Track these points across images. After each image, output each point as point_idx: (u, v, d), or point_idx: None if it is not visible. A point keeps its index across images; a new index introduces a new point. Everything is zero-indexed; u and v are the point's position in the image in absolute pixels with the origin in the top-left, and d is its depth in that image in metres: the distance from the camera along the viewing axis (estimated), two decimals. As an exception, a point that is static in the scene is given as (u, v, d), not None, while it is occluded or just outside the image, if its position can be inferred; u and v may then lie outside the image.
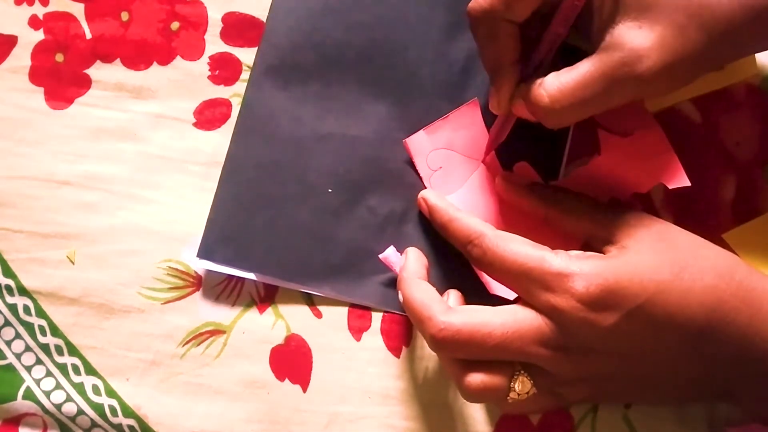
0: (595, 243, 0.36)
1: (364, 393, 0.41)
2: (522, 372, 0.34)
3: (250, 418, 0.41)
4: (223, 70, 0.43)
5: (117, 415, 0.41)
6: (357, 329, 0.42)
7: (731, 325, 0.32)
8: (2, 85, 0.43)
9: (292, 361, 0.42)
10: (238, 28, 0.43)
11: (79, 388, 0.41)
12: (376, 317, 0.42)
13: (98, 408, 0.41)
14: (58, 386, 0.41)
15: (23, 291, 0.42)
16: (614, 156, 0.40)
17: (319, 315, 0.42)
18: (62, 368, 0.41)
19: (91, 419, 0.41)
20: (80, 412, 0.41)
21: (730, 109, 0.43)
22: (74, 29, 0.43)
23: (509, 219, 0.41)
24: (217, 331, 0.42)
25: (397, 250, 0.40)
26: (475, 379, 0.33)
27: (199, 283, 0.42)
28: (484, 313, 0.34)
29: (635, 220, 0.35)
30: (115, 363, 0.42)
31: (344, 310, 0.42)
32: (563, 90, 0.33)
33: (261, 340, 0.42)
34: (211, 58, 0.43)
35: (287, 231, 0.41)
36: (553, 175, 0.42)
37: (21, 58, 0.43)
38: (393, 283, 0.41)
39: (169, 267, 0.42)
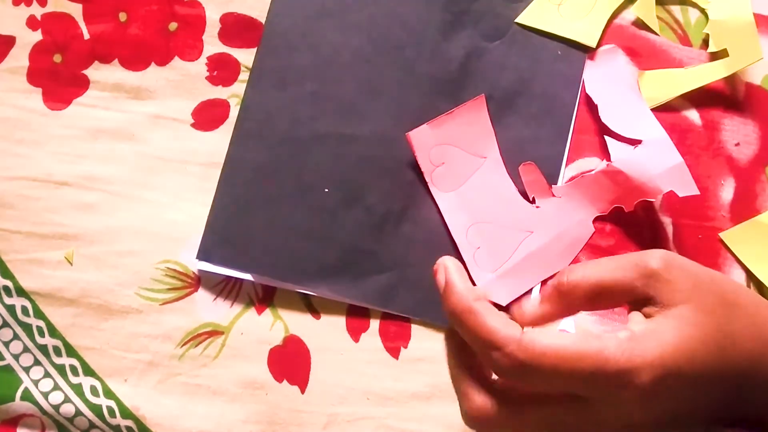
0: (634, 303, 0.31)
1: (363, 394, 0.41)
2: None
3: (248, 418, 0.41)
4: (221, 70, 0.43)
5: (115, 416, 0.41)
6: (355, 330, 0.42)
7: None
8: (0, 86, 0.43)
9: (290, 362, 0.42)
10: (236, 28, 0.43)
11: (78, 389, 0.41)
12: (375, 318, 0.42)
13: (96, 409, 0.41)
14: (57, 387, 0.41)
15: (21, 292, 0.42)
16: (623, 164, 0.40)
17: (317, 316, 0.42)
18: (60, 369, 0.41)
19: (90, 420, 0.41)
20: (78, 413, 0.41)
21: (730, 110, 0.43)
22: (72, 30, 0.43)
23: (511, 217, 0.41)
24: (215, 332, 0.42)
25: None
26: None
27: (198, 284, 0.42)
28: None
29: (675, 272, 0.30)
30: (113, 364, 0.41)
31: (342, 311, 0.42)
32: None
33: (259, 341, 0.42)
34: (209, 58, 0.43)
35: (285, 231, 0.41)
36: (552, 178, 0.42)
37: (19, 58, 0.43)
38: (390, 283, 0.41)
39: (168, 268, 0.42)
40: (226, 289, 0.42)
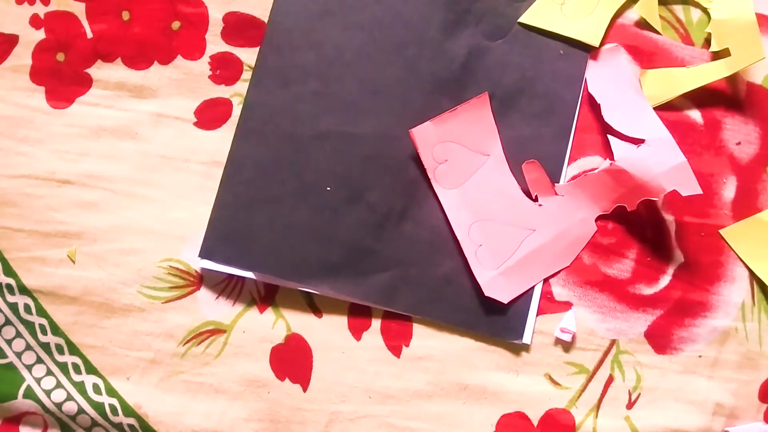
0: None
1: (365, 392, 0.41)
2: None
3: (250, 417, 0.41)
4: (224, 69, 0.43)
5: (117, 414, 0.41)
6: (357, 328, 0.42)
7: None
8: (3, 84, 0.43)
9: (292, 361, 0.42)
10: (238, 27, 0.43)
11: (80, 387, 0.41)
12: (377, 317, 0.42)
13: (99, 407, 0.41)
14: (59, 385, 0.41)
15: (24, 290, 0.42)
16: (626, 163, 0.40)
17: (319, 315, 0.42)
18: (63, 367, 0.42)
19: (92, 418, 0.41)
20: (81, 411, 0.41)
21: (731, 109, 0.43)
22: (75, 29, 0.43)
23: (514, 215, 0.41)
24: (217, 330, 0.42)
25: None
26: None
27: (200, 282, 0.42)
28: None
29: None
30: (115, 362, 0.42)
31: (344, 309, 0.42)
32: None
33: (261, 339, 0.42)
34: (212, 57, 0.43)
35: (286, 230, 0.41)
36: (554, 177, 0.42)
37: (22, 57, 0.43)
38: (392, 281, 0.41)
39: (170, 266, 0.42)
40: (228, 287, 0.42)
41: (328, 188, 0.42)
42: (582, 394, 0.41)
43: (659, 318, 0.42)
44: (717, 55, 0.43)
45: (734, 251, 0.42)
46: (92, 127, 0.43)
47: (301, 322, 0.42)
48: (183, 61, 0.43)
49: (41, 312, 0.42)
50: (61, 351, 0.42)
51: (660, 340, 0.41)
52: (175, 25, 0.43)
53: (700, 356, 0.41)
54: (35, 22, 0.43)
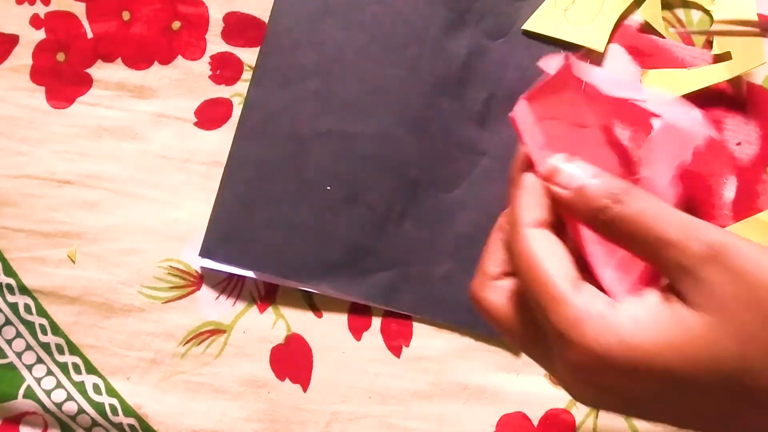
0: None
1: (365, 392, 0.41)
2: None
3: (250, 417, 0.41)
4: (225, 69, 0.43)
5: (117, 414, 0.41)
6: (357, 329, 0.42)
7: None
8: (4, 84, 0.43)
9: (292, 361, 0.42)
10: (239, 27, 0.43)
11: (80, 387, 0.41)
12: (377, 317, 0.42)
13: (99, 407, 0.41)
14: (59, 385, 0.41)
15: (24, 290, 0.42)
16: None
17: (319, 314, 0.42)
18: (63, 367, 0.42)
19: (92, 418, 0.41)
20: (81, 410, 0.41)
21: (732, 110, 0.43)
22: (75, 28, 0.43)
23: None
24: (217, 331, 0.42)
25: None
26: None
27: (200, 283, 0.42)
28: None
29: (718, 272, 0.23)
30: (115, 362, 0.42)
31: (344, 309, 0.42)
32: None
33: (261, 339, 0.42)
34: (212, 57, 0.43)
35: (287, 229, 0.41)
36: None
37: (22, 57, 0.43)
38: (392, 280, 0.41)
39: (170, 266, 0.42)
40: (229, 287, 0.42)
41: (329, 188, 0.42)
42: (582, 395, 0.41)
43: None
44: (718, 57, 0.42)
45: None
46: (92, 127, 0.43)
47: (301, 322, 0.42)
48: (183, 61, 0.43)
49: (41, 312, 0.42)
50: (61, 351, 0.42)
51: (660, 340, 0.41)
52: (176, 25, 0.43)
53: (700, 357, 0.41)
54: (35, 22, 0.43)
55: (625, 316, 0.24)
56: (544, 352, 0.27)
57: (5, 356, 0.42)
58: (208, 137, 0.43)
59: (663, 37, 0.43)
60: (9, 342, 0.42)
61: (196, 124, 0.43)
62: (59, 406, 0.41)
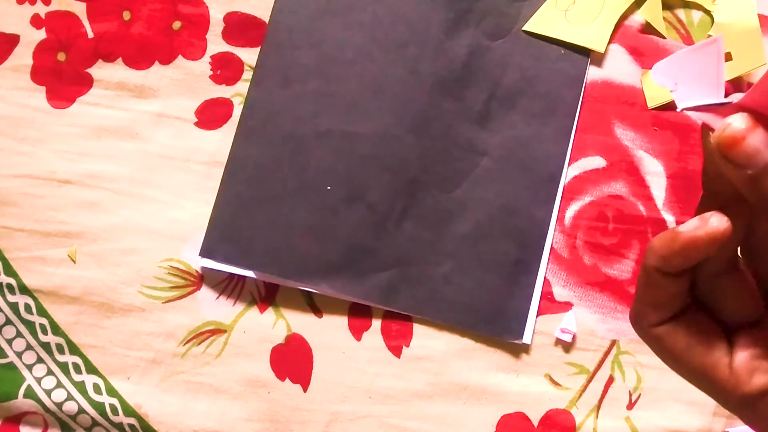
0: None
1: (365, 392, 0.41)
2: None
3: (250, 417, 0.41)
4: (225, 69, 0.43)
5: (118, 414, 0.41)
6: (357, 329, 0.42)
7: None
8: (4, 84, 0.43)
9: (292, 361, 0.42)
10: (239, 27, 0.43)
11: (80, 386, 0.41)
12: (377, 317, 0.42)
13: (99, 407, 0.41)
14: (59, 385, 0.41)
15: (24, 290, 0.42)
16: None
17: (319, 315, 0.42)
18: (63, 367, 0.42)
19: (92, 418, 0.41)
20: (81, 410, 0.41)
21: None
22: (76, 28, 0.43)
23: None
24: (217, 330, 0.42)
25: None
26: None
27: (200, 282, 0.42)
28: None
29: None
30: (115, 362, 0.42)
31: (345, 309, 0.42)
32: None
33: (262, 339, 0.42)
34: (212, 57, 0.43)
35: (287, 229, 0.41)
36: (555, 177, 0.42)
37: (23, 57, 0.43)
38: (391, 281, 0.41)
39: (171, 266, 0.42)
40: (229, 287, 0.42)
41: (329, 187, 0.42)
42: (582, 395, 0.41)
43: (660, 319, 0.41)
44: None
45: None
46: (93, 127, 0.43)
47: (301, 322, 0.42)
48: (184, 61, 0.43)
49: (42, 312, 0.42)
50: (61, 351, 0.42)
51: (660, 340, 0.41)
52: (176, 25, 0.43)
53: (700, 357, 0.41)
54: (36, 21, 0.43)
55: None
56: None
57: (5, 356, 0.42)
58: (209, 137, 0.43)
59: (664, 38, 0.43)
60: (9, 342, 0.42)
61: (196, 124, 0.43)
62: (59, 405, 0.41)
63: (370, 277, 0.41)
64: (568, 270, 0.42)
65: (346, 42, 0.42)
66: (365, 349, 0.42)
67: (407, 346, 0.42)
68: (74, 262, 0.42)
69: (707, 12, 0.43)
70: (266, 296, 0.42)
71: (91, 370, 0.42)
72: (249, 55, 0.43)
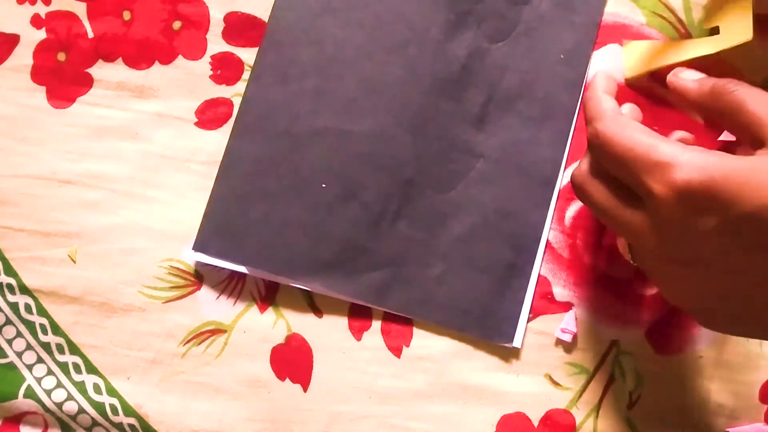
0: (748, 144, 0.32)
1: (365, 392, 0.41)
2: None
3: (251, 417, 0.41)
4: (225, 69, 0.43)
5: (118, 414, 0.41)
6: (358, 329, 0.42)
7: None
8: (4, 84, 0.43)
9: (292, 361, 0.42)
10: (240, 27, 0.43)
11: (80, 386, 0.41)
12: (377, 317, 0.42)
13: (99, 407, 0.41)
14: (59, 385, 0.41)
15: (24, 289, 0.42)
16: None
17: (320, 315, 0.42)
18: (63, 367, 0.42)
19: (92, 418, 0.41)
20: (81, 410, 0.41)
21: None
22: (76, 28, 0.43)
23: None
24: (218, 330, 0.42)
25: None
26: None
27: (200, 282, 0.42)
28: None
29: None
30: (116, 362, 0.42)
31: (345, 310, 0.42)
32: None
33: (262, 339, 0.42)
34: (213, 57, 0.43)
35: (280, 225, 0.41)
36: (551, 181, 0.42)
37: (23, 56, 0.43)
38: (385, 280, 0.41)
39: (171, 266, 0.42)
40: (229, 287, 0.42)
41: (324, 185, 0.42)
42: (582, 395, 0.41)
43: (660, 319, 0.42)
44: (712, 32, 0.41)
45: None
46: (93, 127, 0.43)
47: (301, 322, 0.42)
48: (184, 61, 0.43)
49: (42, 312, 0.42)
50: (61, 351, 0.42)
51: (661, 340, 0.42)
52: (176, 25, 0.43)
53: (700, 357, 0.41)
54: (36, 21, 0.43)
55: (714, 152, 0.29)
56: (631, 215, 0.31)
57: (5, 356, 0.42)
58: (209, 137, 0.43)
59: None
60: (9, 342, 0.42)
61: (196, 124, 0.43)
62: (60, 405, 0.41)
63: (363, 276, 0.41)
64: (568, 270, 0.42)
65: (346, 40, 0.42)
66: (365, 349, 0.42)
67: (407, 346, 0.42)
68: (74, 262, 0.42)
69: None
70: (266, 296, 0.42)
71: (91, 370, 0.42)
72: (249, 55, 0.43)
